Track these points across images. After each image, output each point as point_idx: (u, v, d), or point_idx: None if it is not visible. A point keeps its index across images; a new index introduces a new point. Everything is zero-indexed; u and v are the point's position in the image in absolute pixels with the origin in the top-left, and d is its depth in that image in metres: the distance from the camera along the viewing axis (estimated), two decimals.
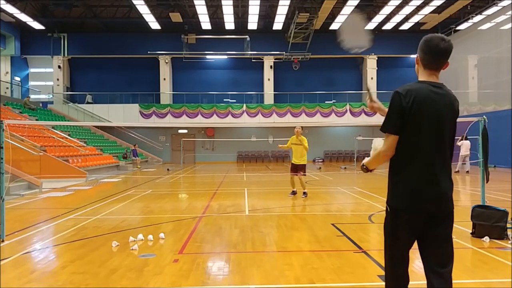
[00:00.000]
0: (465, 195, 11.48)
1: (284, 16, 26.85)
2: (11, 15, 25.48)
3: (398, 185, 2.56)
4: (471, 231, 5.97)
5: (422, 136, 2.49)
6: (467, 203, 9.27)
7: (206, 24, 28.46)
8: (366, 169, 2.73)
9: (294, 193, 10.83)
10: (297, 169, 10.60)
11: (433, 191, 2.49)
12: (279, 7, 25.09)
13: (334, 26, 28.85)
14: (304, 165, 10.71)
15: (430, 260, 2.56)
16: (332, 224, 7.02)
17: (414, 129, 2.49)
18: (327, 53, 30.84)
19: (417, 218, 2.52)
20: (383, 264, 4.65)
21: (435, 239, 2.54)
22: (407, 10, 25.60)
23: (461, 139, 18.24)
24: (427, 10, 25.59)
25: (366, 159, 2.74)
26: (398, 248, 2.60)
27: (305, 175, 10.78)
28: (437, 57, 2.57)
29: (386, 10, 25.68)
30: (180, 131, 30.26)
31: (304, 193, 10.51)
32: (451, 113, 2.55)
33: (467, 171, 18.23)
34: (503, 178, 15.36)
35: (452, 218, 2.59)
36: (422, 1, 24.19)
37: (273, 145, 29.59)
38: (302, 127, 11.21)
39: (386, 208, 2.64)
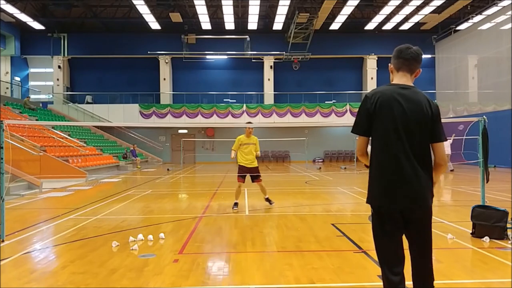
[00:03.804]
0: (465, 195, 11.48)
1: (284, 16, 26.86)
2: (11, 15, 25.48)
3: (372, 184, 2.69)
4: (471, 231, 5.97)
5: (388, 136, 2.59)
6: (467, 203, 9.26)
7: (206, 24, 28.47)
8: (366, 166, 2.85)
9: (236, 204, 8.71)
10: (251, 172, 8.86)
11: (403, 190, 2.58)
12: (279, 7, 25.10)
13: (334, 26, 28.89)
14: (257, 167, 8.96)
15: (413, 256, 2.72)
16: (332, 224, 7.02)
17: (380, 129, 2.61)
18: (327, 53, 30.89)
19: (394, 215, 2.63)
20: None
21: (415, 233, 2.69)
22: (407, 10, 25.60)
23: (450, 139, 18.44)
24: (427, 10, 25.60)
25: None
26: (385, 245, 2.69)
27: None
28: (407, 59, 2.70)
29: (386, 10, 25.68)
30: (180, 131, 30.26)
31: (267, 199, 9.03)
32: (419, 113, 2.60)
33: (452, 170, 18.56)
34: (503, 178, 15.35)
35: (428, 214, 2.70)
36: (422, 1, 24.20)
37: (274, 145, 29.68)
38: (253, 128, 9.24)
39: (371, 210, 2.76)
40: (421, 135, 2.60)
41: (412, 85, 2.71)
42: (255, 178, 8.91)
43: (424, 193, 2.61)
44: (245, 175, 8.85)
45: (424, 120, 2.60)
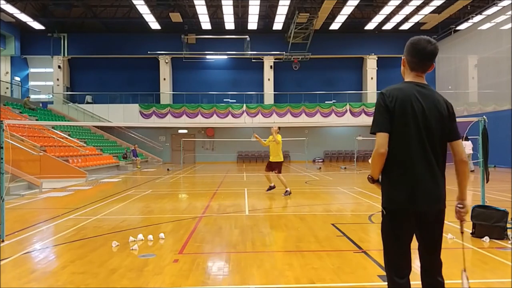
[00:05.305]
0: None
1: (284, 16, 26.86)
2: (11, 15, 25.48)
3: (390, 186, 2.59)
4: (471, 231, 5.96)
5: (408, 135, 2.52)
6: (467, 203, 9.25)
7: (206, 24, 28.46)
8: (372, 180, 2.70)
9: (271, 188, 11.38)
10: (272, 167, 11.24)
11: (423, 192, 2.52)
12: (279, 7, 25.09)
13: (334, 26, 28.89)
14: (278, 162, 11.11)
15: (423, 256, 2.66)
16: (332, 224, 7.01)
17: (400, 128, 2.52)
18: (327, 53, 30.89)
19: (411, 217, 2.56)
20: (383, 264, 4.66)
21: (428, 237, 2.64)
22: (407, 10, 25.60)
23: (463, 140, 18.33)
24: (427, 10, 25.60)
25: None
26: (398, 250, 2.61)
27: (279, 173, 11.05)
28: (424, 59, 2.61)
29: (386, 10, 25.68)
30: (180, 131, 30.26)
31: (286, 191, 10.84)
32: (437, 112, 2.56)
33: (472, 170, 18.28)
34: (503, 178, 15.36)
35: (443, 217, 2.65)
36: (422, 1, 24.20)
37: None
38: (279, 127, 11.65)
39: (382, 211, 2.66)
40: (440, 134, 2.57)
41: (426, 83, 2.64)
42: (273, 170, 11.12)
43: (441, 194, 2.59)
44: (271, 167, 11.22)
45: (442, 119, 2.57)
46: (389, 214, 2.60)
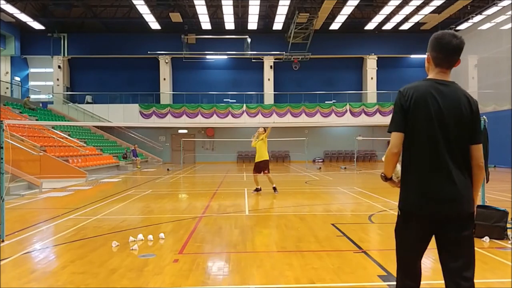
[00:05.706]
0: None
1: (284, 16, 26.86)
2: (11, 15, 25.48)
3: (404, 187, 2.54)
4: None
5: (420, 135, 2.44)
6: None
7: (206, 24, 28.47)
8: (385, 178, 2.65)
9: (258, 190, 11.48)
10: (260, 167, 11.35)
11: (434, 193, 2.41)
12: (279, 7, 25.09)
13: (334, 26, 28.90)
14: (265, 161, 11.34)
15: (444, 266, 2.49)
16: (332, 224, 7.01)
17: (414, 128, 2.45)
18: (327, 53, 30.89)
19: (424, 220, 2.46)
20: (383, 264, 4.67)
21: (448, 243, 2.46)
22: (407, 10, 25.61)
23: None
24: (427, 10, 25.60)
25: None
26: (407, 252, 2.56)
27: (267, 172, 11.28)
28: (449, 55, 2.49)
29: (386, 10, 25.68)
30: (180, 131, 30.26)
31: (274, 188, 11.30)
32: (457, 111, 2.42)
33: None
34: (503, 178, 15.36)
35: (467, 222, 2.48)
36: (422, 1, 24.20)
37: (274, 145, 29.65)
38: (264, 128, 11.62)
39: (398, 211, 2.61)
40: (459, 134, 2.42)
41: (451, 80, 2.51)
42: (262, 170, 11.27)
43: (459, 196, 2.41)
44: (259, 169, 11.32)
45: (462, 119, 2.42)
46: (402, 215, 2.55)
